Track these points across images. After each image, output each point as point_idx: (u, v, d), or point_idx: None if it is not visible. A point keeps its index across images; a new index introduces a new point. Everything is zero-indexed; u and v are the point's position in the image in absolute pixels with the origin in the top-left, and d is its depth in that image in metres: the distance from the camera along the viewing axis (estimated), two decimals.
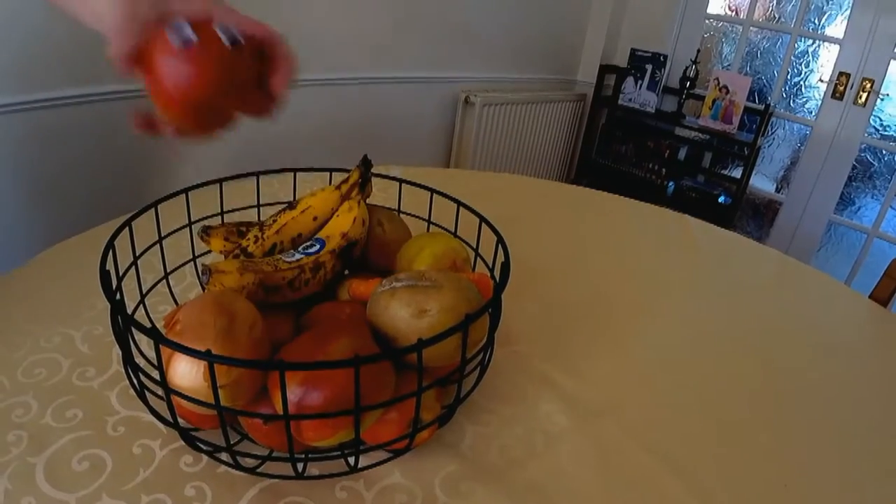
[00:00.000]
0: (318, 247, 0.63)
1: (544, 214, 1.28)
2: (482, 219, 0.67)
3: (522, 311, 0.82)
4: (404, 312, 0.47)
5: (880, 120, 2.95)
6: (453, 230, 0.74)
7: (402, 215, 0.78)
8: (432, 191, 0.75)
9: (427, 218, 0.77)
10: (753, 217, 3.39)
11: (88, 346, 0.66)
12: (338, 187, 0.70)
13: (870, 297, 1.25)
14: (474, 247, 0.70)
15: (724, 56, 3.34)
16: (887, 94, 2.90)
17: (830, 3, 3.01)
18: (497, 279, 0.54)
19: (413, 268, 0.64)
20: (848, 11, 2.93)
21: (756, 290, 1.09)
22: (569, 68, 3.42)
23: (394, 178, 0.78)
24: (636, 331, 0.85)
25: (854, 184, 3.06)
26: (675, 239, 1.29)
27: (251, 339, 0.47)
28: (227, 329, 0.45)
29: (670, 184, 3.01)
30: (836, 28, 2.98)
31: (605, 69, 3.20)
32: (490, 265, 0.67)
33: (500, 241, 0.60)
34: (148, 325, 0.42)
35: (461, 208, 0.72)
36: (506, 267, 0.54)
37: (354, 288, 0.61)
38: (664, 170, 3.00)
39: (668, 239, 1.28)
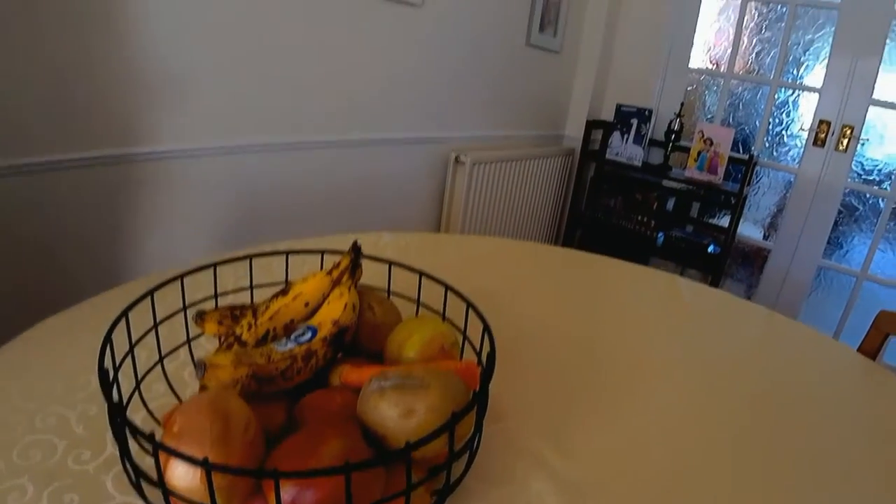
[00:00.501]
0: (309, 335, 0.65)
1: (534, 280, 1.29)
2: (468, 304, 0.68)
3: (512, 384, 0.82)
4: (393, 413, 0.49)
5: (862, 164, 3.01)
6: (442, 311, 0.75)
7: (392, 296, 0.79)
8: (421, 273, 0.77)
9: (417, 299, 0.79)
10: (743, 264, 3.43)
11: (84, 426, 0.67)
12: (329, 272, 0.72)
13: (858, 349, 1.27)
14: (462, 329, 0.72)
15: (707, 107, 3.42)
16: (867, 140, 2.97)
17: (808, 53, 3.10)
18: (484, 365, 0.55)
19: (403, 354, 0.65)
20: (825, 61, 3.01)
21: (746, 349, 1.11)
22: (556, 124, 3.50)
23: (384, 261, 0.80)
24: (627, 400, 0.85)
25: (840, 228, 3.11)
26: (665, 301, 1.31)
27: (246, 441, 0.48)
28: (223, 433, 0.47)
29: (660, 235, 3.05)
30: (815, 77, 3.07)
31: (591, 124, 3.26)
32: (478, 349, 0.68)
33: (486, 328, 0.61)
34: (144, 409, 0.43)
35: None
36: (491, 357, 0.56)
37: (346, 376, 0.63)
38: (653, 221, 3.04)
39: (658, 301, 1.30)
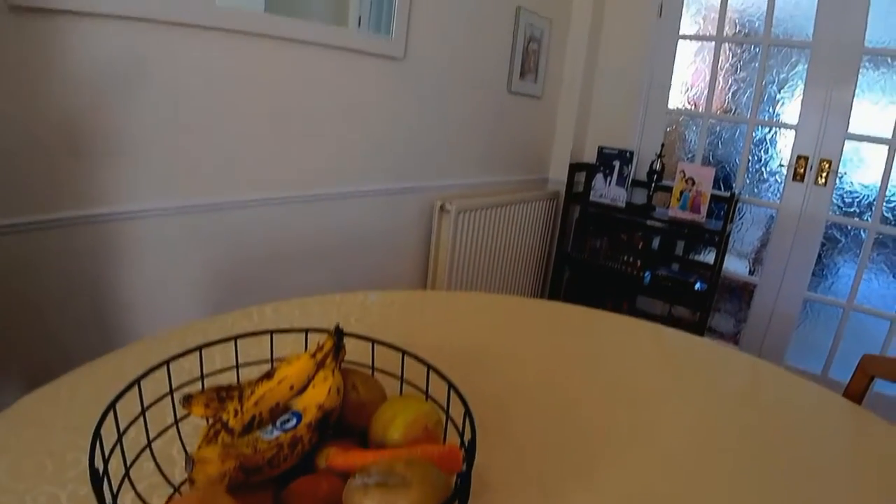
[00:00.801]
0: (294, 421, 0.66)
1: (520, 338, 1.30)
2: (450, 385, 0.69)
3: (499, 452, 0.83)
4: None
5: (842, 197, 3.06)
6: (425, 388, 0.76)
7: (376, 373, 0.80)
8: (403, 352, 0.78)
9: (400, 377, 0.79)
10: (731, 298, 3.45)
11: None
12: (313, 355, 0.73)
13: (844, 392, 1.29)
14: (445, 408, 0.72)
15: (688, 146, 3.48)
16: (845, 173, 3.02)
17: (783, 91, 3.17)
18: (466, 448, 0.56)
19: (387, 437, 0.67)
20: (800, 98, 3.08)
21: (733, 403, 1.11)
22: (540, 167, 3.55)
23: (367, 339, 0.81)
24: (617, 464, 0.85)
25: (824, 260, 3.15)
26: (651, 355, 1.33)
27: None
28: None
29: (647, 274, 3.08)
30: (791, 114, 3.14)
31: (574, 168, 3.31)
32: (460, 429, 0.68)
33: (467, 413, 0.62)
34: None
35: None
36: (472, 445, 0.57)
37: (332, 460, 0.64)
38: (639, 261, 3.07)
39: (644, 355, 1.31)
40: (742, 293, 3.39)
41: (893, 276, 3.00)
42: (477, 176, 2.98)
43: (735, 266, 3.39)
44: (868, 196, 3.00)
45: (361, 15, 2.23)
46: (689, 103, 3.48)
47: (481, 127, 2.93)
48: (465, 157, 2.87)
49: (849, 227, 3.09)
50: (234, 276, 1.96)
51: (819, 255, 3.12)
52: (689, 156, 3.45)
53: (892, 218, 2.96)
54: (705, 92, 3.36)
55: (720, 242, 2.91)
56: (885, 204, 2.95)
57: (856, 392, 1.36)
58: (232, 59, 1.78)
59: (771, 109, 3.23)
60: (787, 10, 3.15)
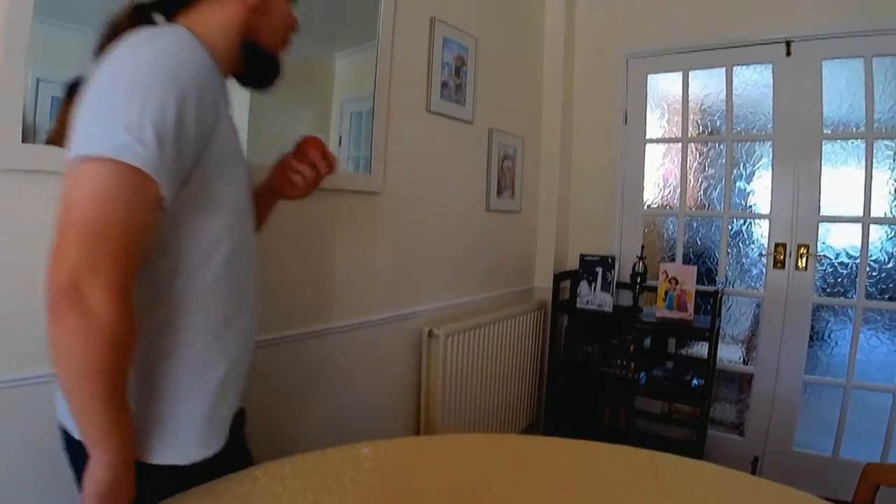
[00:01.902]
0: None
1: (517, 483, 1.30)
2: None
3: None
4: None
5: (824, 278, 3.12)
6: None
7: None
8: None
9: None
10: (730, 388, 3.45)
11: None
12: None
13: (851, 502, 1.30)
14: None
15: (667, 244, 3.57)
16: (825, 256, 3.10)
17: (752, 183, 3.29)
18: None
19: None
20: (769, 188, 3.19)
21: None
22: (525, 278, 3.60)
23: None
24: None
25: (817, 342, 3.18)
26: (647, 484, 1.32)
27: None
28: None
29: (641, 375, 3.09)
30: (764, 204, 3.25)
31: (559, 276, 3.36)
32: None
33: None
34: None
35: None
36: None
37: None
38: (632, 363, 3.09)
39: (640, 486, 1.30)
40: (741, 381, 3.40)
41: (889, 348, 3.01)
42: (463, 295, 3.01)
43: (730, 354, 3.40)
44: (850, 273, 3.07)
45: (342, 135, 2.32)
46: (663, 203, 3.59)
47: (463, 247, 2.98)
48: (449, 278, 2.90)
49: (836, 307, 3.14)
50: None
51: (811, 337, 3.14)
52: (670, 253, 3.53)
53: (876, 292, 3.02)
54: (678, 190, 3.47)
55: (711, 337, 2.94)
56: (867, 279, 3.01)
57: (863, 501, 1.39)
58: None
59: (743, 201, 3.34)
60: (747, 105, 3.31)
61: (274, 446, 1.83)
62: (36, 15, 1.34)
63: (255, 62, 1.14)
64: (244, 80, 1.20)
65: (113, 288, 0.81)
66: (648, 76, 3.57)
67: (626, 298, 3.34)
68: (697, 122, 3.49)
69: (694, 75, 3.45)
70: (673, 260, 3.46)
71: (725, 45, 3.30)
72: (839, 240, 3.11)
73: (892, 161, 2.99)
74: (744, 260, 3.35)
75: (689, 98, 3.45)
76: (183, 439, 1.01)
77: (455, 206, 2.91)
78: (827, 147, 3.09)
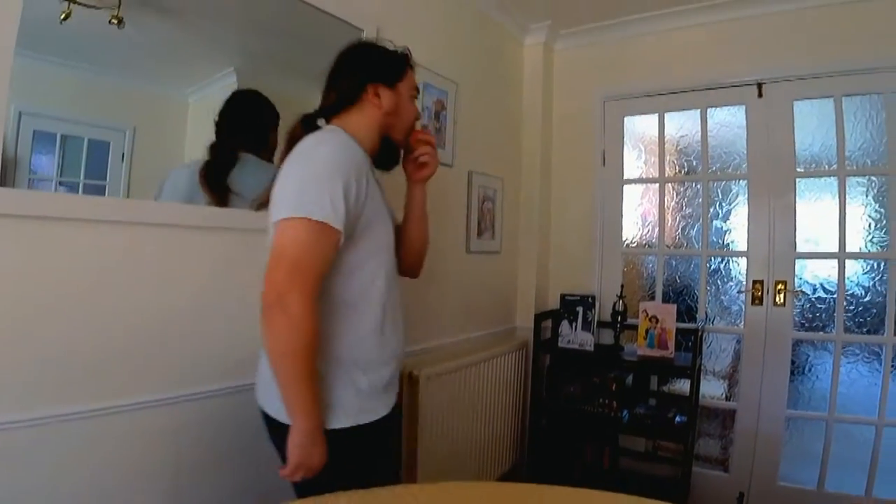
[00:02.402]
0: None
1: None
2: None
3: None
4: None
5: (802, 314, 3.16)
6: None
7: None
8: None
9: None
10: (713, 424, 3.46)
11: None
12: None
13: None
14: None
15: (647, 282, 3.63)
16: (802, 291, 3.14)
17: (728, 221, 3.34)
18: None
19: None
20: (746, 226, 3.24)
21: None
22: (507, 318, 3.63)
23: None
24: None
25: (798, 376, 3.20)
26: None
27: None
28: None
29: (624, 413, 3.10)
30: (741, 241, 3.30)
31: (540, 316, 3.39)
32: None
33: None
34: None
35: None
36: None
37: None
38: (614, 402, 3.10)
39: None
40: (724, 417, 3.41)
41: (869, 381, 3.04)
42: (444, 337, 3.01)
43: (712, 390, 3.42)
44: (829, 308, 3.11)
45: None
46: (642, 243, 3.65)
47: (444, 290, 3.00)
48: (429, 320, 2.91)
49: (815, 342, 3.18)
50: (208, 470, 1.90)
51: (792, 371, 3.17)
52: (650, 292, 3.57)
53: (854, 326, 3.06)
54: (656, 230, 3.52)
55: (692, 375, 2.96)
56: (845, 314, 3.05)
57: None
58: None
59: (721, 239, 3.39)
60: (722, 146, 3.38)
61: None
62: (18, 48, 1.38)
63: (386, 152, 1.64)
64: (376, 163, 1.63)
65: (305, 296, 1.27)
66: (625, 118, 3.65)
67: (608, 337, 3.37)
68: (674, 163, 3.56)
69: (669, 117, 3.53)
70: (653, 298, 3.50)
71: (699, 88, 3.39)
72: (816, 275, 3.16)
73: (864, 196, 3.06)
74: (723, 297, 3.40)
75: (666, 139, 3.52)
76: (344, 412, 1.42)
77: (435, 248, 2.86)
78: (801, 184, 3.15)
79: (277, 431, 1.40)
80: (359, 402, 1.45)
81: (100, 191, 1.69)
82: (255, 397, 1.50)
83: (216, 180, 1.85)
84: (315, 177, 1.34)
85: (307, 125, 1.55)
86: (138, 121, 1.71)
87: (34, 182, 1.53)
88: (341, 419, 1.41)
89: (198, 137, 1.86)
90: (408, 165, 1.75)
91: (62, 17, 1.45)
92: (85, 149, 1.62)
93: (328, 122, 1.58)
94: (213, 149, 1.85)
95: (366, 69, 1.57)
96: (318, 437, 1.34)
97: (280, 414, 1.38)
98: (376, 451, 1.54)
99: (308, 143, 1.42)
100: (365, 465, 1.49)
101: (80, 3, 1.46)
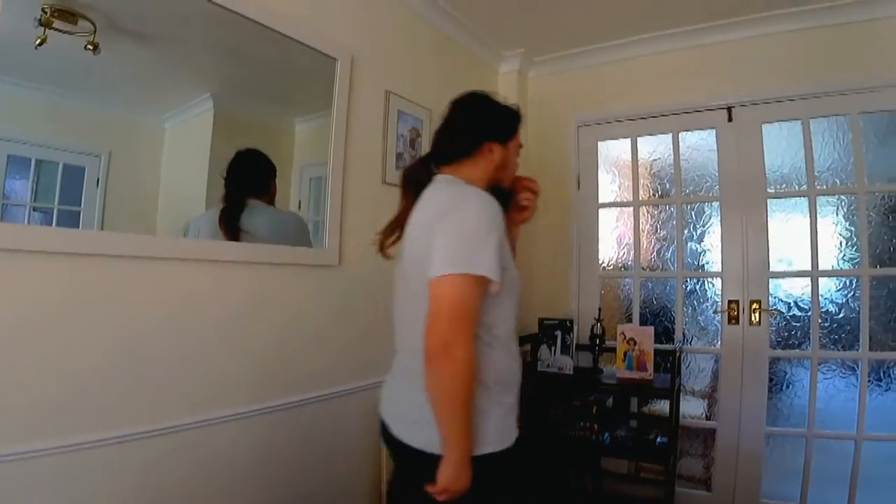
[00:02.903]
0: None
1: None
2: None
3: None
4: None
5: (778, 332, 3.20)
6: None
7: None
8: None
9: None
10: (695, 444, 3.47)
11: None
12: None
13: None
14: None
15: (624, 305, 3.65)
16: (777, 310, 3.18)
17: (703, 243, 3.39)
18: None
19: None
20: (720, 247, 3.29)
21: None
22: None
23: None
24: None
25: (776, 393, 3.23)
26: None
27: None
28: None
29: (605, 435, 3.10)
30: (715, 262, 3.35)
31: (519, 341, 3.37)
32: None
33: None
34: None
35: None
36: None
37: None
38: (595, 425, 3.10)
39: None
40: (705, 437, 3.42)
41: (846, 396, 3.07)
42: None
43: (693, 409, 3.44)
44: (803, 326, 3.16)
45: (301, 199, 2.39)
46: (619, 264, 3.68)
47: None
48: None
49: (791, 360, 3.21)
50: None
51: (770, 389, 3.20)
52: (627, 314, 3.59)
53: (829, 342, 3.10)
54: (632, 252, 3.56)
55: (672, 396, 2.97)
56: (820, 330, 3.09)
57: None
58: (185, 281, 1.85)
59: (696, 261, 3.43)
60: (694, 168, 3.45)
61: None
62: None
63: (497, 198, 1.65)
64: None
65: (467, 344, 1.38)
66: (599, 143, 3.71)
67: (586, 360, 3.37)
68: (648, 186, 3.61)
69: (642, 141, 3.60)
70: (630, 320, 3.52)
71: (671, 112, 3.47)
72: (790, 293, 3.21)
73: (835, 215, 3.13)
74: (699, 317, 3.43)
75: (639, 162, 3.58)
76: (492, 436, 1.50)
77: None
78: (772, 204, 3.22)
79: (420, 460, 1.50)
80: (503, 426, 1.55)
81: (74, 217, 1.68)
82: (395, 434, 1.58)
83: (230, 223, 2.10)
84: (472, 233, 1.45)
85: (425, 169, 1.72)
86: (113, 146, 1.72)
87: (7, 207, 1.53)
88: (492, 444, 1.51)
89: (174, 163, 1.87)
90: (510, 208, 1.85)
91: (38, 42, 1.46)
92: (60, 174, 1.62)
93: (438, 167, 1.71)
94: (226, 198, 2.08)
95: (486, 127, 1.70)
96: (466, 464, 1.44)
97: (429, 446, 1.48)
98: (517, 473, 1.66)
99: (449, 199, 1.54)
100: (510, 488, 1.61)
101: (55, 29, 1.47)
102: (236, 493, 2.06)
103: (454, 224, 1.47)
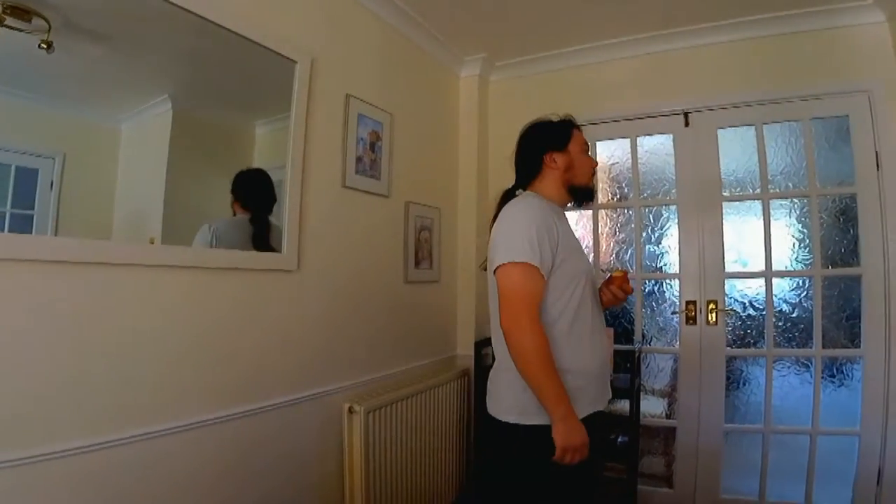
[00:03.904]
0: None
1: None
2: None
3: None
4: None
5: (734, 331, 3.27)
6: None
7: None
8: None
9: None
10: (656, 442, 3.52)
11: None
12: None
13: None
14: None
15: None
16: (733, 310, 3.24)
17: (661, 245, 3.44)
18: None
19: None
20: (677, 249, 3.35)
21: None
22: (447, 347, 3.62)
23: None
24: None
25: (734, 391, 3.29)
26: None
27: None
28: None
29: None
30: (674, 264, 3.40)
31: (480, 343, 3.42)
32: None
33: None
34: None
35: None
36: None
37: None
38: None
39: None
40: (665, 435, 3.47)
41: (801, 392, 3.15)
42: (385, 368, 2.98)
43: (653, 408, 3.49)
44: (758, 325, 3.23)
45: None
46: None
47: (383, 320, 2.98)
48: (370, 352, 2.87)
49: (748, 357, 3.28)
50: None
51: (728, 387, 3.27)
52: None
53: (783, 340, 3.18)
54: (592, 255, 3.60)
55: (632, 396, 3.01)
56: (774, 329, 3.17)
57: None
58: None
59: (654, 263, 3.49)
60: (652, 173, 3.50)
61: None
62: None
63: (577, 195, 2.03)
64: (578, 202, 2.07)
65: (530, 317, 1.69)
66: None
67: None
68: (607, 190, 3.66)
69: (601, 145, 3.65)
70: None
71: (629, 118, 3.52)
72: (745, 294, 3.28)
73: (788, 217, 3.21)
74: (658, 318, 3.48)
75: (598, 167, 3.60)
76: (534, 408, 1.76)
77: (373, 279, 2.93)
78: (728, 207, 3.29)
79: (504, 430, 1.81)
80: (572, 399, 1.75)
81: (27, 220, 1.64)
82: (488, 411, 1.91)
83: (265, 245, 2.29)
84: (512, 229, 1.78)
85: (507, 197, 2.04)
86: (68, 148, 1.68)
87: None
88: (537, 416, 1.75)
89: (131, 165, 1.83)
90: (604, 292, 2.10)
91: None
92: (12, 176, 1.58)
93: (525, 189, 2.04)
94: (254, 221, 2.26)
95: (540, 144, 2.01)
96: (572, 420, 1.68)
97: (508, 414, 1.80)
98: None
99: (506, 209, 1.90)
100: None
101: (7, 27, 1.44)
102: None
103: (501, 226, 1.85)
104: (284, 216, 2.37)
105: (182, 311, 1.96)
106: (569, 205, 2.08)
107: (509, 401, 1.82)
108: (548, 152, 1.98)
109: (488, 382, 1.97)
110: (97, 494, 1.69)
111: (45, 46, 1.54)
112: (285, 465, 2.38)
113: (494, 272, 1.79)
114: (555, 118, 2.08)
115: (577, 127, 2.08)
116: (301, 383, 2.46)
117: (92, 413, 1.69)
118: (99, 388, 1.71)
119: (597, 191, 2.23)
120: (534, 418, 1.75)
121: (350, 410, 2.59)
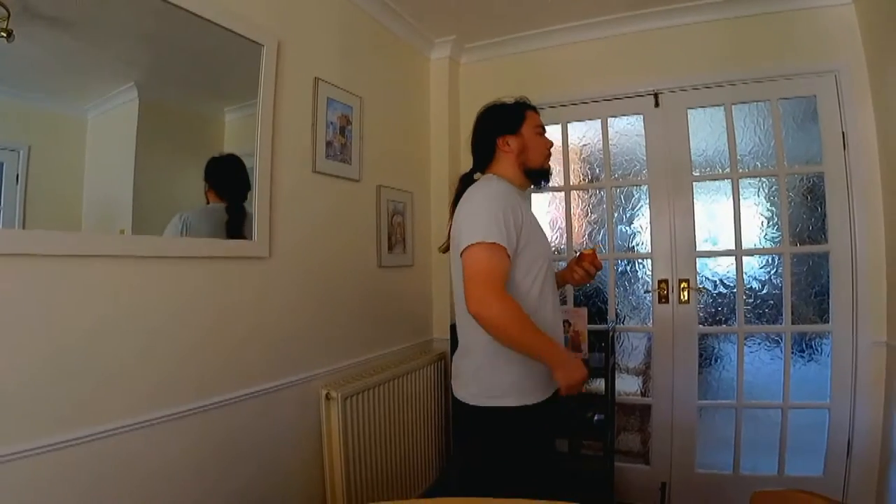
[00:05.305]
0: None
1: None
2: None
3: None
4: None
5: (706, 309, 3.32)
6: None
7: None
8: None
9: None
10: (632, 420, 3.56)
11: None
12: None
13: None
14: None
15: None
16: (704, 289, 3.28)
17: (633, 226, 3.47)
18: None
19: None
20: (649, 229, 3.38)
21: None
22: (423, 331, 3.63)
23: None
24: None
25: (706, 368, 3.35)
26: None
27: None
28: None
29: None
30: (646, 244, 3.43)
31: (455, 327, 3.38)
32: None
33: None
34: None
35: None
36: None
37: None
38: None
39: None
40: (641, 412, 3.51)
41: (771, 368, 3.21)
42: (361, 354, 2.97)
43: (628, 386, 3.54)
44: (729, 303, 3.28)
45: None
46: (552, 249, 3.72)
47: (358, 306, 2.96)
48: (344, 338, 2.86)
49: (719, 335, 3.33)
50: None
51: (701, 364, 3.32)
52: (561, 296, 3.64)
53: (753, 317, 3.24)
54: (565, 236, 3.62)
55: (606, 374, 3.05)
56: (745, 306, 3.23)
57: None
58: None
59: (626, 243, 3.51)
60: (623, 153, 3.52)
61: None
62: None
63: (533, 176, 2.05)
64: (534, 184, 2.07)
65: (497, 296, 1.68)
66: None
67: None
68: (578, 171, 3.67)
69: (572, 127, 3.65)
70: (564, 302, 3.57)
71: (599, 99, 3.53)
72: (716, 272, 3.33)
73: (757, 196, 3.25)
74: (631, 297, 3.52)
75: (570, 148, 3.63)
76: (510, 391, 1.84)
77: (347, 264, 2.90)
78: (698, 187, 3.32)
79: (472, 413, 1.87)
80: (527, 383, 1.85)
81: None
82: (454, 394, 1.96)
83: (239, 233, 2.25)
84: (477, 212, 1.79)
85: (465, 181, 2.05)
86: (33, 140, 1.63)
87: None
88: (512, 398, 1.82)
89: (98, 156, 1.79)
90: (575, 270, 2.17)
91: None
92: None
93: (483, 173, 2.06)
94: (230, 210, 2.22)
95: (493, 128, 2.04)
96: (569, 361, 1.78)
97: (476, 398, 1.86)
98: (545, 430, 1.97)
99: (468, 192, 1.90)
100: (540, 441, 1.93)
101: None
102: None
103: (464, 209, 1.85)
104: (255, 203, 2.33)
105: (153, 301, 1.91)
106: (529, 188, 2.13)
107: (475, 385, 1.87)
108: (501, 136, 2.01)
109: (453, 367, 2.02)
110: (71, 489, 1.66)
111: (4, 35, 1.49)
112: (265, 452, 2.36)
113: (461, 254, 1.78)
114: (509, 100, 2.09)
115: (533, 108, 2.11)
116: (278, 371, 2.43)
117: (63, 409, 1.64)
118: (70, 382, 1.66)
119: (551, 172, 2.14)
120: (499, 400, 1.82)
121: (327, 397, 2.58)
